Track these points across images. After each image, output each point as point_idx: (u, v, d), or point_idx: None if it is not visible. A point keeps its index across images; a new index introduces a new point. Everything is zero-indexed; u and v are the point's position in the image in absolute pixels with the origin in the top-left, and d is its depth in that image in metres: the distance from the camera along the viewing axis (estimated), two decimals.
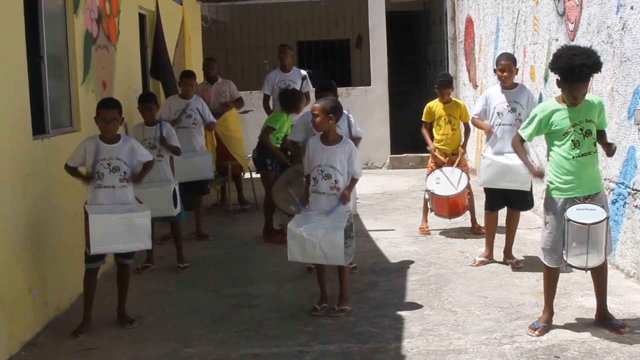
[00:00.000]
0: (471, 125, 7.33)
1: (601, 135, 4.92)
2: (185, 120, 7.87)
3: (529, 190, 6.27)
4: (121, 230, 5.03)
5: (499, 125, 6.34)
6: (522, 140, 4.96)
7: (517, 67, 6.38)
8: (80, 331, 5.11)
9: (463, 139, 7.75)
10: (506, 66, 6.31)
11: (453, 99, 7.89)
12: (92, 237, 4.93)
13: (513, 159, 6.10)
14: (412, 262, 6.67)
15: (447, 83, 7.71)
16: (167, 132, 6.87)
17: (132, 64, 8.04)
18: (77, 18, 6.26)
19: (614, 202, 5.99)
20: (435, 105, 7.71)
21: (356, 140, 6.28)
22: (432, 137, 7.76)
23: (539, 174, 4.97)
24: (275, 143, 7.64)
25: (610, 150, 4.89)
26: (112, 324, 5.33)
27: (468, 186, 7.47)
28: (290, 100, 7.62)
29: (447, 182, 7.42)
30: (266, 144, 7.62)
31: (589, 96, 4.79)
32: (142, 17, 8.95)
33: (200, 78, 9.51)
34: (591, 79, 4.78)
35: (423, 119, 7.80)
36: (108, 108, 5.24)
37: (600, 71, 4.73)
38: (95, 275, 5.29)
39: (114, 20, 7.35)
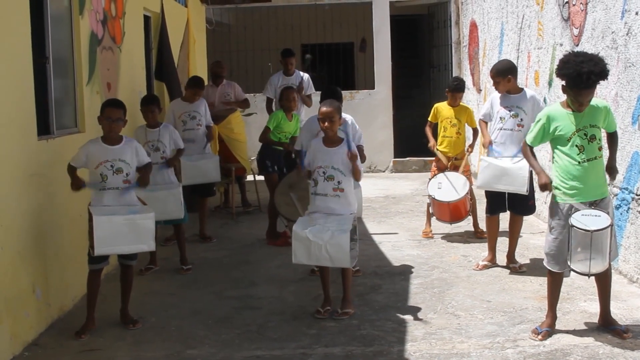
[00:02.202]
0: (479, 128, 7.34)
1: (612, 138, 4.92)
2: (189, 122, 7.90)
3: (525, 193, 6.26)
4: (125, 232, 5.03)
5: (501, 129, 6.34)
6: (530, 146, 4.96)
7: (510, 75, 6.27)
8: (83, 332, 5.12)
9: (470, 140, 7.74)
10: (492, 77, 6.39)
11: (461, 103, 7.90)
12: (96, 239, 4.94)
13: (510, 162, 6.12)
14: (414, 265, 6.67)
15: (460, 87, 7.76)
16: (171, 134, 6.88)
17: (136, 65, 8.06)
18: (82, 19, 6.27)
19: (617, 208, 5.99)
20: (443, 106, 7.72)
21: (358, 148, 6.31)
22: (435, 139, 7.76)
23: (545, 186, 4.91)
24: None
25: (611, 174, 4.90)
26: (115, 325, 5.33)
27: (470, 191, 7.47)
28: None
29: (449, 187, 7.41)
30: (266, 143, 7.64)
31: (594, 100, 4.79)
32: (147, 18, 8.97)
33: (205, 79, 9.52)
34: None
35: (429, 119, 7.80)
36: (114, 107, 5.27)
37: (607, 79, 4.73)
38: (99, 276, 5.30)
39: (119, 21, 7.36)
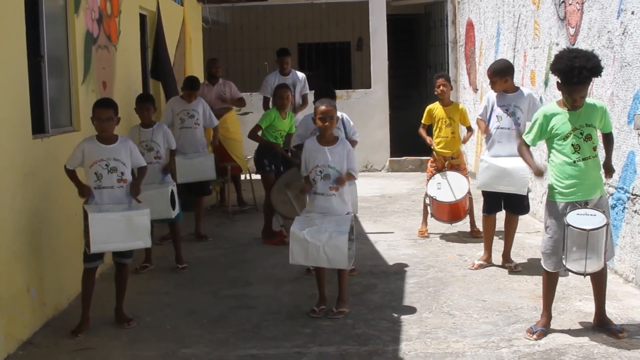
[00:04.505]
0: (475, 127, 7.34)
1: (608, 139, 4.92)
2: (187, 120, 7.90)
3: (525, 194, 6.27)
4: (121, 229, 5.02)
5: (498, 128, 6.35)
6: (527, 146, 4.96)
7: (508, 76, 6.28)
8: (79, 331, 5.11)
9: (465, 135, 7.74)
10: (489, 77, 6.39)
11: (453, 102, 7.89)
12: (92, 236, 4.92)
13: (510, 163, 6.11)
14: (410, 265, 6.67)
15: (441, 75, 7.79)
16: (165, 133, 6.88)
17: (132, 64, 8.04)
18: (77, 18, 6.26)
19: (613, 207, 5.99)
20: (435, 107, 7.70)
21: (352, 143, 6.32)
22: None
23: (539, 172, 4.91)
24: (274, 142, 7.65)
25: (608, 172, 4.89)
26: (109, 324, 5.32)
27: (468, 191, 7.46)
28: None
29: (448, 187, 7.40)
30: (255, 140, 7.65)
31: (590, 100, 4.80)
32: (142, 17, 8.95)
33: (201, 78, 9.50)
34: (591, 83, 4.78)
35: (423, 121, 7.79)
36: (103, 107, 5.25)
37: (601, 75, 4.73)
38: (94, 275, 5.28)
39: (115, 20, 7.35)
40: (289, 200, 6.31)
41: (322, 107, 5.44)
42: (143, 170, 5.56)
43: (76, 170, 5.29)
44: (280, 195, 6.53)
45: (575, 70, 4.53)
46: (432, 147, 7.63)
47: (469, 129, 7.76)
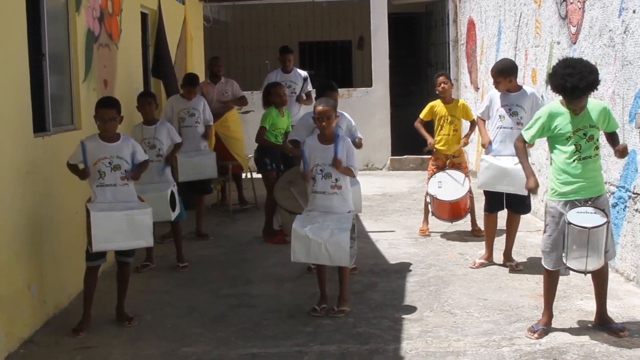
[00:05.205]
0: (477, 127, 7.32)
1: (613, 137, 4.91)
2: (188, 119, 7.90)
3: (526, 194, 6.26)
4: (123, 228, 5.03)
5: (500, 127, 6.34)
6: (525, 142, 4.96)
7: (512, 76, 6.26)
8: (80, 329, 5.11)
9: (467, 132, 7.73)
10: (493, 77, 6.36)
11: (454, 98, 7.88)
12: (94, 235, 4.93)
13: (511, 163, 6.10)
14: (411, 263, 6.67)
15: (442, 73, 7.76)
16: (168, 130, 6.88)
17: (133, 62, 8.04)
18: (79, 16, 6.25)
19: (614, 206, 5.99)
20: (437, 104, 7.68)
21: (357, 141, 6.36)
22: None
23: (532, 187, 4.91)
24: (274, 141, 7.62)
25: (622, 153, 4.86)
26: (110, 323, 5.33)
27: (469, 189, 7.45)
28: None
29: (449, 185, 7.39)
30: (263, 144, 7.62)
31: (593, 100, 4.79)
32: (144, 16, 8.94)
33: (202, 77, 9.49)
34: None
35: (421, 116, 7.74)
36: (106, 107, 5.24)
37: (597, 89, 4.73)
38: (96, 274, 5.28)
39: (116, 18, 7.34)
40: (293, 195, 6.30)
41: (320, 108, 5.44)
42: (145, 163, 5.54)
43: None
44: (283, 191, 6.52)
45: (568, 90, 4.55)
46: (430, 149, 7.62)
47: (472, 123, 7.71)
